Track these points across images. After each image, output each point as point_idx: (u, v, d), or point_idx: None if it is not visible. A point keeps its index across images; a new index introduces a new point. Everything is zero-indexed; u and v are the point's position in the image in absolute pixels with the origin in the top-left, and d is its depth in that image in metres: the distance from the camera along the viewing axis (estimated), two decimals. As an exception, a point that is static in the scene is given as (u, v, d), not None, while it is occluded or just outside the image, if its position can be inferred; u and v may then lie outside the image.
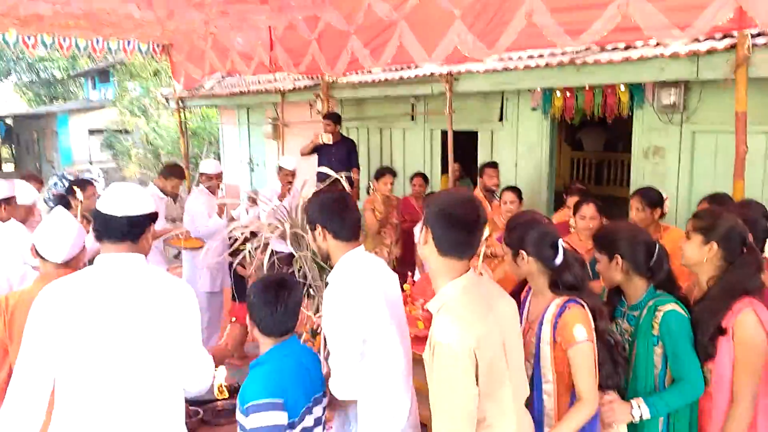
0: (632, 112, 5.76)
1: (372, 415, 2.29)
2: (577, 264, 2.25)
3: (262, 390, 2.06)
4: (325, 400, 2.31)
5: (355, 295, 2.22)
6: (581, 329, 2.11)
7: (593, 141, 10.47)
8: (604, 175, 10.28)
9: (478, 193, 5.51)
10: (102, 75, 27.66)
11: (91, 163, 23.87)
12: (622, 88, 5.64)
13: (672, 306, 2.30)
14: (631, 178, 5.96)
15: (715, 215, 2.41)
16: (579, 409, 2.12)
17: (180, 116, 9.39)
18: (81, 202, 4.13)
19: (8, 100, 33.31)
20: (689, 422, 2.34)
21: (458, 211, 1.85)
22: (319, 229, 2.35)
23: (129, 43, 7.14)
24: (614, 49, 5.13)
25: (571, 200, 4.57)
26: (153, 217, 2.14)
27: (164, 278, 2.10)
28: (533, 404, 2.19)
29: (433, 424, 1.81)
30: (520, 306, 2.34)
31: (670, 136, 5.54)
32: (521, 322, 2.28)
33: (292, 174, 5.59)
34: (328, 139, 6.77)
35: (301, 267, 3.28)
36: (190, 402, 2.56)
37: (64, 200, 4.64)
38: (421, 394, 2.16)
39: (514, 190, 4.91)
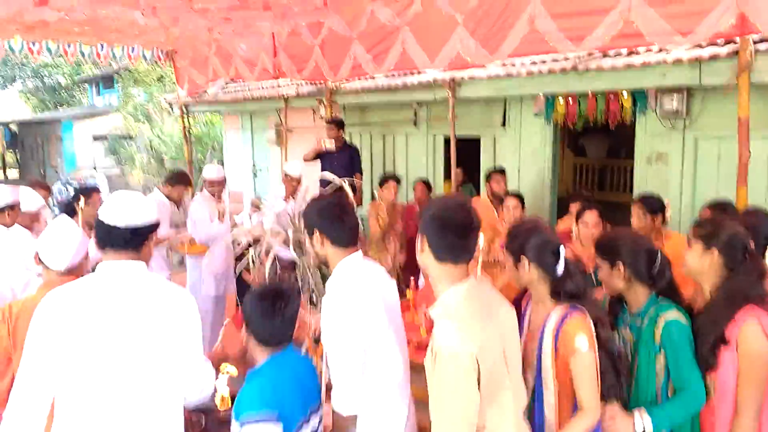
0: (635, 118, 5.76)
1: (370, 425, 2.26)
2: (578, 272, 2.24)
3: (257, 401, 2.04)
4: (321, 411, 2.29)
5: (354, 305, 2.19)
6: (583, 339, 2.10)
7: (596, 147, 10.47)
8: (607, 182, 10.27)
9: (485, 199, 5.50)
10: (106, 81, 27.77)
11: (95, 168, 23.91)
12: (625, 94, 5.64)
13: (674, 314, 2.29)
14: (634, 184, 5.96)
15: (716, 223, 2.40)
16: (580, 419, 2.11)
17: (184, 122, 9.42)
18: (82, 209, 4.13)
19: (13, 106, 33.47)
20: (692, 435, 2.31)
21: (450, 216, 1.86)
22: (317, 234, 2.33)
23: (133, 49, 7.18)
24: (617, 55, 5.14)
25: (575, 207, 4.55)
26: (155, 225, 2.13)
27: (165, 287, 2.10)
28: (535, 414, 2.18)
29: (432, 430, 1.80)
30: (521, 314, 2.33)
31: (672, 142, 5.54)
32: (522, 331, 2.27)
33: (298, 180, 5.61)
34: (330, 144, 6.79)
35: (304, 273, 3.28)
36: (192, 411, 2.55)
37: (69, 207, 4.65)
38: (421, 402, 2.14)
39: (517, 195, 4.91)
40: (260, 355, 2.21)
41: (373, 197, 6.50)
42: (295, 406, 2.12)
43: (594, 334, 2.15)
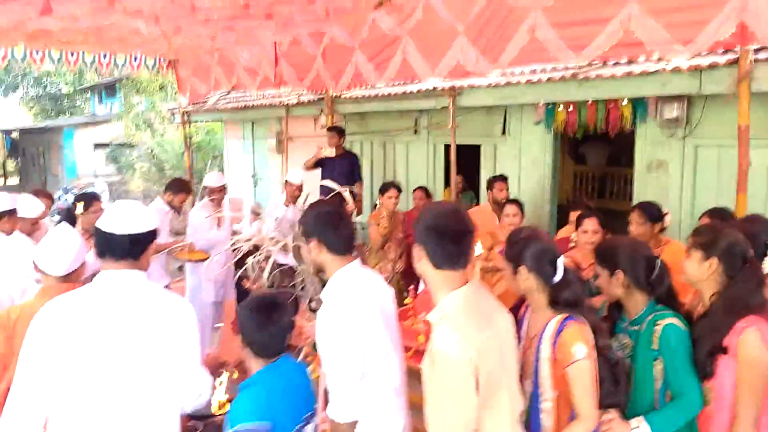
0: (635, 127, 5.78)
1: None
2: (576, 281, 2.24)
3: (250, 412, 2.03)
4: (317, 418, 2.28)
5: (352, 314, 2.18)
6: (581, 347, 2.09)
7: (596, 155, 10.47)
8: (606, 189, 10.27)
9: (487, 206, 5.50)
10: (108, 89, 27.88)
11: (96, 176, 23.97)
12: (625, 102, 5.66)
13: (671, 320, 2.29)
14: (634, 192, 5.96)
15: (715, 231, 2.39)
16: (576, 426, 2.10)
17: (185, 130, 9.44)
18: (80, 215, 4.14)
19: (14, 114, 33.55)
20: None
21: (444, 222, 1.88)
22: (314, 241, 2.33)
23: (136, 58, 7.20)
24: (616, 63, 5.16)
25: (575, 216, 4.55)
26: (154, 234, 2.13)
27: (164, 296, 2.10)
28: (532, 423, 2.17)
29: (429, 435, 1.79)
30: (519, 322, 2.32)
31: (672, 150, 5.55)
32: (520, 339, 2.27)
33: (299, 188, 5.63)
34: (330, 152, 6.80)
35: (303, 280, 3.29)
36: (189, 417, 2.54)
37: (69, 215, 4.66)
38: (417, 408, 2.14)
39: (516, 202, 4.91)
40: (255, 365, 2.20)
41: (374, 205, 6.50)
42: (289, 417, 2.11)
43: (593, 343, 2.14)
